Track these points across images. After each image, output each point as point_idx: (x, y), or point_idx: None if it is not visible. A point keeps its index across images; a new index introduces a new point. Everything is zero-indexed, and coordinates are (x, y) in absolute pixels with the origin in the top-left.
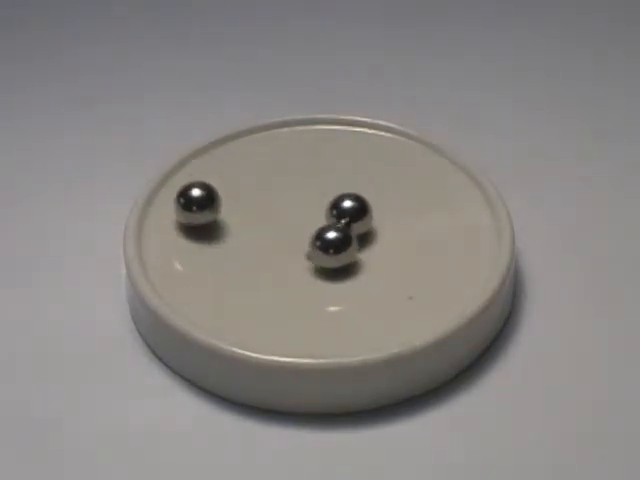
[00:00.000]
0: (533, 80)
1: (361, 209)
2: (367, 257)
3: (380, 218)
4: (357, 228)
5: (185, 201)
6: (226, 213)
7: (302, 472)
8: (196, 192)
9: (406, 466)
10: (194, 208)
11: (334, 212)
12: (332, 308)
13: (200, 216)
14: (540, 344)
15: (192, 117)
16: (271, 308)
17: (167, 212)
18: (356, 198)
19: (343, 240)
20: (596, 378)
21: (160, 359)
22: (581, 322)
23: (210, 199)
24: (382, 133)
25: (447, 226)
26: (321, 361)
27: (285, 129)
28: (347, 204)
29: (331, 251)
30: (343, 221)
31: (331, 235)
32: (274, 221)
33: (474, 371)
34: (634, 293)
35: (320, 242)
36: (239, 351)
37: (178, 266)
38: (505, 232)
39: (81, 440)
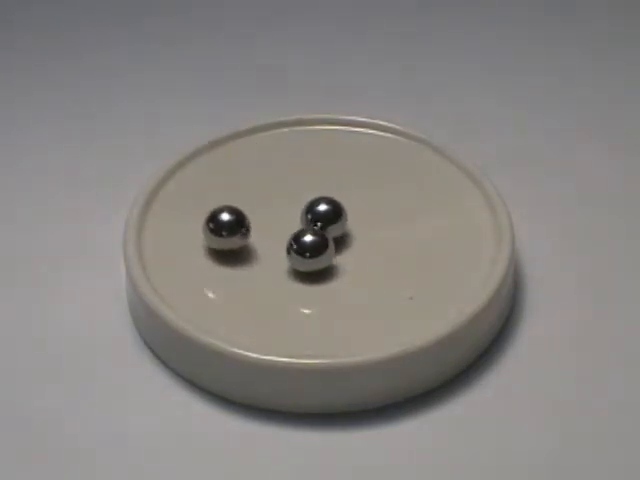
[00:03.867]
0: (533, 80)
1: (335, 212)
2: (367, 257)
3: (380, 218)
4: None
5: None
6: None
7: (302, 472)
8: (225, 217)
9: (406, 466)
10: (224, 233)
11: (309, 216)
12: (332, 308)
13: (229, 241)
14: (540, 344)
15: (192, 117)
16: (271, 308)
17: (167, 212)
18: (330, 202)
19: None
20: (596, 378)
21: (160, 359)
22: (581, 322)
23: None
24: (382, 133)
25: (447, 226)
26: (321, 361)
27: (285, 129)
28: (322, 208)
29: (307, 254)
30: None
31: (308, 239)
32: (275, 221)
33: (474, 371)
34: (634, 293)
35: (297, 246)
36: (239, 351)
37: (178, 266)
38: (505, 232)
39: (81, 440)
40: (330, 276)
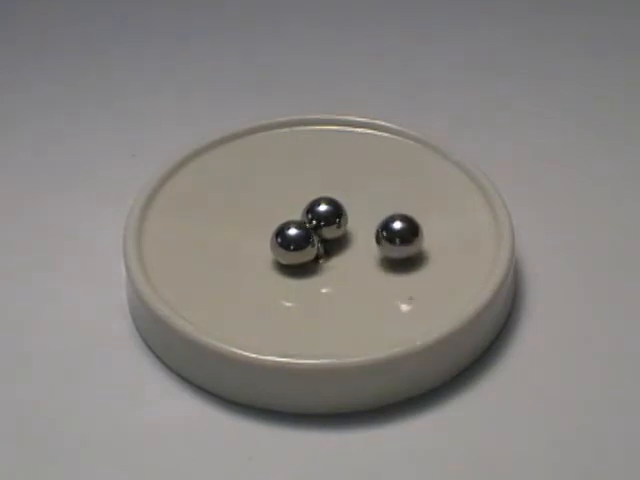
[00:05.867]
0: (533, 80)
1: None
2: (367, 257)
3: (380, 218)
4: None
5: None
6: (227, 214)
7: (302, 472)
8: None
9: (406, 466)
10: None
11: (309, 216)
12: (333, 308)
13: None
14: (540, 344)
15: (192, 117)
16: (272, 308)
17: (167, 212)
18: (330, 202)
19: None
20: (596, 378)
21: (160, 359)
22: (581, 322)
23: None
24: (382, 133)
25: (447, 226)
26: (321, 361)
27: (285, 129)
28: (322, 208)
29: (291, 248)
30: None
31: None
32: (275, 222)
33: (474, 371)
34: (634, 293)
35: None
36: (239, 351)
37: (178, 266)
38: (505, 232)
39: (81, 440)
40: (330, 276)
